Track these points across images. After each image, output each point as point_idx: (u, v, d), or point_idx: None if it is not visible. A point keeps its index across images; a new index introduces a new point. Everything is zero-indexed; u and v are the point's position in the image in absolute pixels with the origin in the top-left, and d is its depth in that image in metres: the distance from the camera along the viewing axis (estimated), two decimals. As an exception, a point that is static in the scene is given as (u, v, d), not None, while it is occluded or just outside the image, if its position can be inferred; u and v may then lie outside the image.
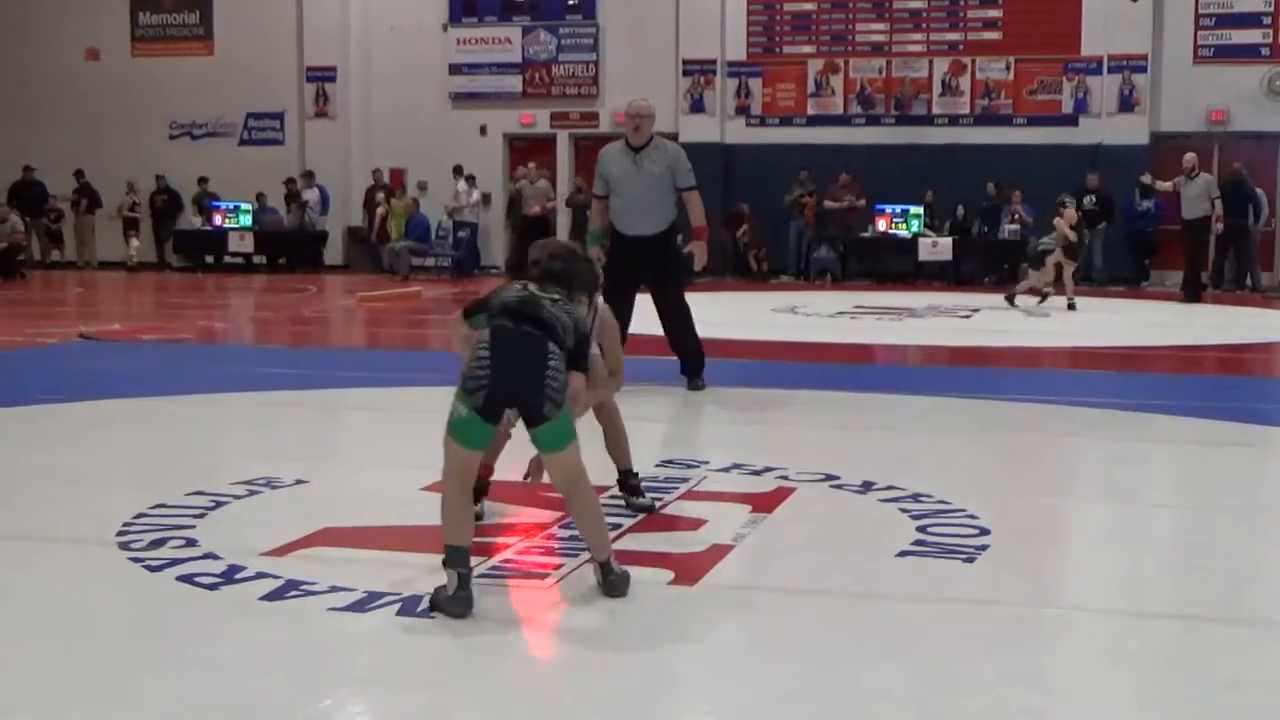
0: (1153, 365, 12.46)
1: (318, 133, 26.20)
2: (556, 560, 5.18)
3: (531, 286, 4.76)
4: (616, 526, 5.62)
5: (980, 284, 21.80)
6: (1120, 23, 23.00)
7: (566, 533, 5.55)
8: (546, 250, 5.05)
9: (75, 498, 6.36)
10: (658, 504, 6.01)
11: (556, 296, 4.75)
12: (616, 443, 5.90)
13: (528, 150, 25.80)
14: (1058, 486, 7.20)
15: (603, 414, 5.84)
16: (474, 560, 4.85)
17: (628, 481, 5.94)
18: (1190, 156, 19.79)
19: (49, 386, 9.76)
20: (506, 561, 5.17)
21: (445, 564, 4.56)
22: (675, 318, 9.66)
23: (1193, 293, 19.21)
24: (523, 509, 5.96)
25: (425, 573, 4.82)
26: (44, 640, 4.32)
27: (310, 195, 25.22)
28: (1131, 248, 22.67)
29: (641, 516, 5.82)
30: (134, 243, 25.52)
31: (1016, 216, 22.51)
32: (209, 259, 25.70)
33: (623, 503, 5.91)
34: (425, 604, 4.53)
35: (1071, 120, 23.54)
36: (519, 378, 4.55)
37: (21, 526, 5.81)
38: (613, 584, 4.72)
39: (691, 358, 9.76)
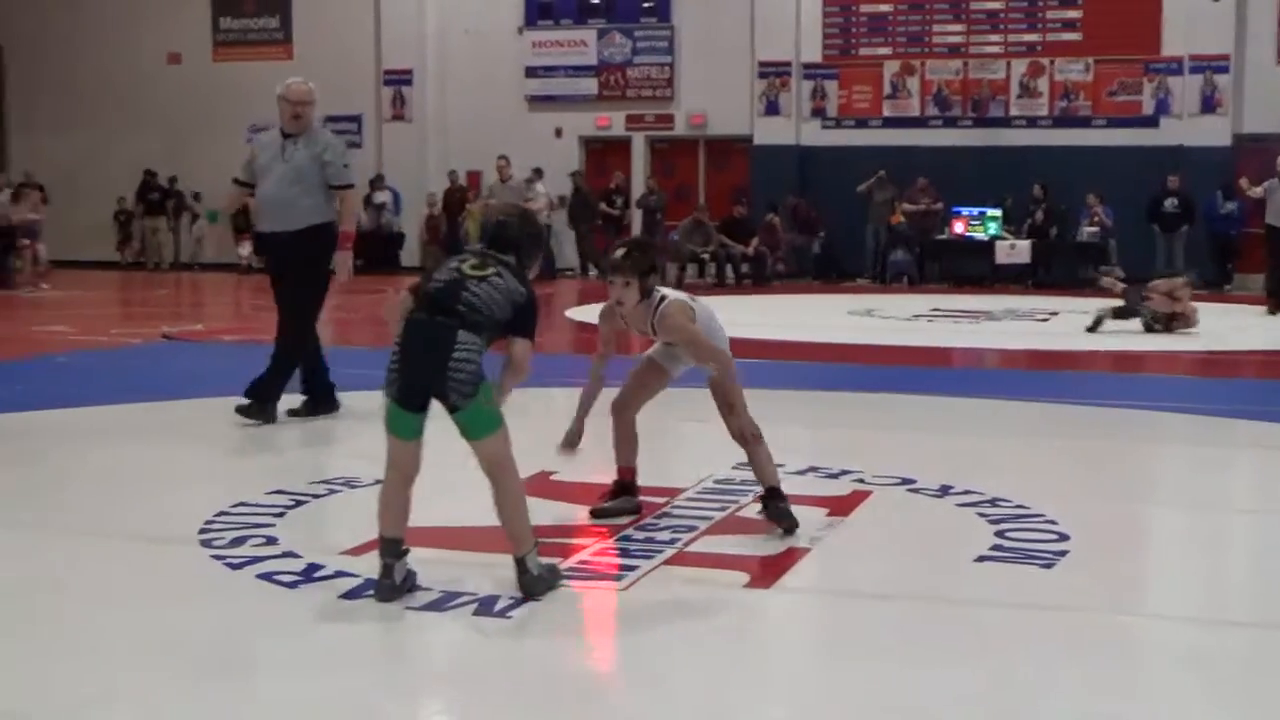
0: (1237, 370, 12.29)
1: (394, 135, 26.39)
2: (630, 562, 5.19)
3: (469, 263, 4.78)
4: (691, 529, 5.63)
5: (1059, 287, 21.57)
6: (1202, 23, 22.68)
7: (641, 534, 5.57)
8: (495, 214, 5.08)
9: (158, 496, 6.45)
10: (732, 506, 6.01)
11: (490, 271, 4.73)
12: (757, 465, 5.70)
13: (603, 153, 25.85)
14: (1138, 492, 7.11)
15: (739, 438, 5.66)
16: (550, 559, 4.88)
17: (767, 501, 5.71)
18: None
19: (133, 386, 9.90)
20: (581, 564, 5.18)
21: (380, 553, 4.72)
22: (281, 330, 8.36)
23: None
24: (598, 510, 5.98)
25: (502, 573, 4.85)
26: (125, 636, 4.38)
27: (383, 197, 25.41)
28: (1214, 251, 22.35)
29: (717, 518, 5.81)
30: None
31: (1096, 219, 22.27)
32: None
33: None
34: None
35: (1152, 122, 23.24)
36: (425, 368, 4.64)
37: (106, 524, 5.90)
38: (525, 583, 4.70)
39: (264, 381, 8.23)
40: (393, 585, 4.66)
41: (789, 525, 5.57)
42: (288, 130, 8.28)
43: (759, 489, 5.78)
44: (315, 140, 8.30)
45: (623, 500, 5.83)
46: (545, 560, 4.84)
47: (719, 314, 5.85)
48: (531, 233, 5.00)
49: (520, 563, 4.71)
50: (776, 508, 5.64)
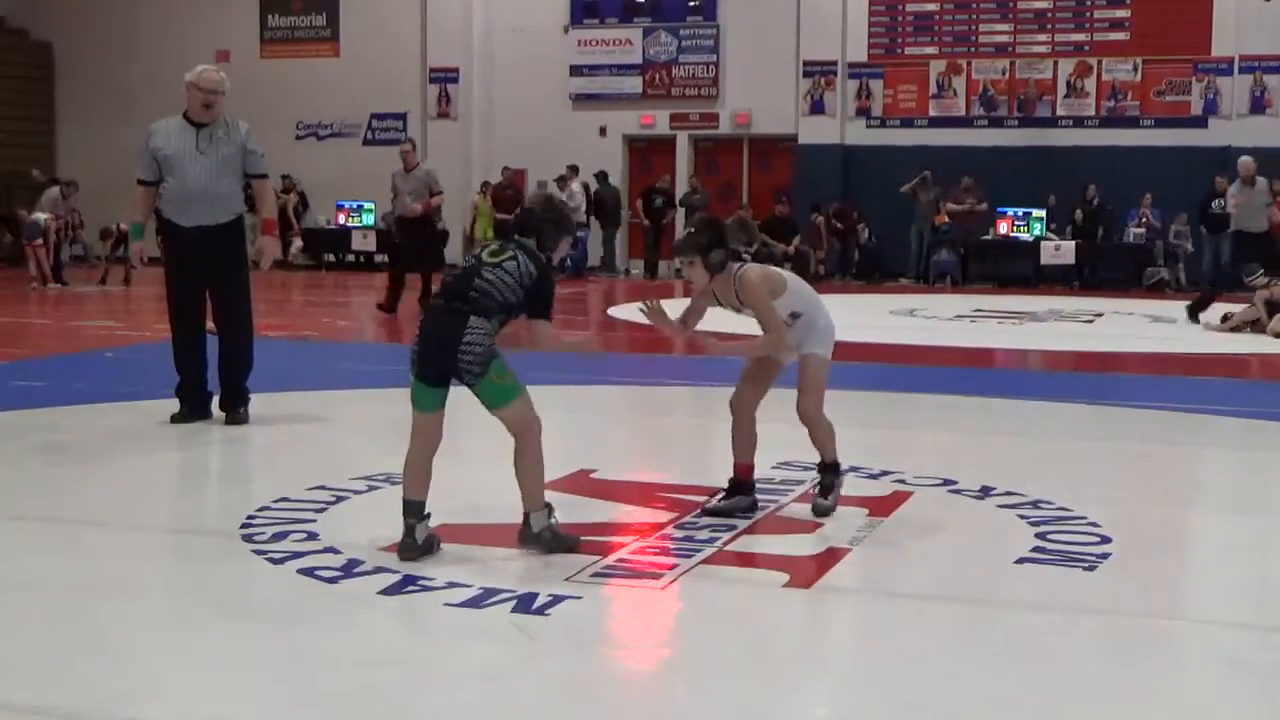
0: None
1: (440, 133, 26.48)
2: (671, 561, 5.18)
3: (489, 249, 5.25)
4: (731, 528, 5.62)
5: (1104, 289, 21.42)
6: (1252, 23, 22.46)
7: (681, 533, 5.56)
8: (526, 203, 5.35)
9: (200, 490, 6.49)
10: (772, 506, 5.99)
11: (505, 257, 5.17)
12: (816, 442, 5.91)
13: (647, 151, 25.87)
14: (1183, 495, 7.05)
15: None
16: (587, 559, 4.90)
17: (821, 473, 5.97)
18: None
19: (170, 381, 9.93)
20: (621, 561, 5.18)
21: (403, 514, 5.11)
22: (232, 330, 8.17)
23: None
24: (637, 508, 5.98)
25: (541, 570, 4.86)
26: (163, 631, 4.41)
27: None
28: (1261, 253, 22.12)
29: (757, 517, 5.80)
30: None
31: (1144, 220, 22.11)
32: (331, 257, 26.04)
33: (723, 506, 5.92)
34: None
35: (1200, 122, 23.04)
36: (439, 351, 5.09)
37: (149, 518, 5.94)
38: (524, 535, 5.13)
39: (236, 385, 8.14)
40: (414, 544, 5.06)
41: (821, 506, 5.83)
42: (199, 119, 7.91)
43: (807, 484, 6.02)
44: (234, 129, 8.02)
45: (738, 499, 5.86)
46: (563, 533, 5.16)
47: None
48: (551, 218, 5.41)
49: (525, 517, 5.15)
50: (825, 482, 5.90)
